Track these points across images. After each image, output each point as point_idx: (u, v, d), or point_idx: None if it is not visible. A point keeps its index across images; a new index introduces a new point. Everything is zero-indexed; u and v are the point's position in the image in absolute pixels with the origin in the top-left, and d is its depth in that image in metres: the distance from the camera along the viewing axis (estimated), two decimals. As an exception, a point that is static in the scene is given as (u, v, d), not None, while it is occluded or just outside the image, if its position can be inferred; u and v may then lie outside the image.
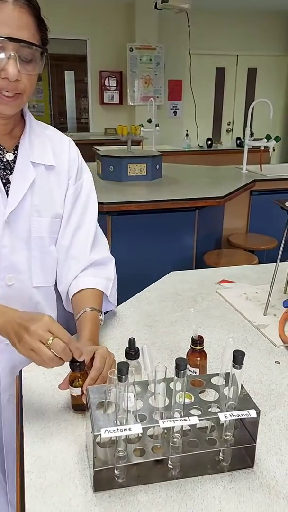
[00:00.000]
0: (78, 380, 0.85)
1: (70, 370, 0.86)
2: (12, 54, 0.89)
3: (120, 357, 1.06)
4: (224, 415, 0.70)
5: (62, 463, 0.76)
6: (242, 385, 0.74)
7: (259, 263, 2.89)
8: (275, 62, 7.64)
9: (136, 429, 0.67)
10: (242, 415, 0.70)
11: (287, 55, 7.63)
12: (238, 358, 0.70)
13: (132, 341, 0.88)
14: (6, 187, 1.03)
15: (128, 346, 0.89)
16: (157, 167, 3.46)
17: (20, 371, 1.02)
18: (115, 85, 6.94)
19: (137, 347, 0.89)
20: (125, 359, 0.89)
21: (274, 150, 3.70)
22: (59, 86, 7.60)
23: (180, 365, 0.68)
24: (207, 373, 0.96)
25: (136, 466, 0.73)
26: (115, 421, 0.69)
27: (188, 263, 2.98)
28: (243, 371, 0.72)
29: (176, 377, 0.69)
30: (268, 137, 3.68)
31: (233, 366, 0.71)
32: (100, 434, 0.66)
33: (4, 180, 1.03)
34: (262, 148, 3.68)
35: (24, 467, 0.75)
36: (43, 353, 0.79)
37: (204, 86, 7.20)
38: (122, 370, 0.67)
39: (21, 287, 1.08)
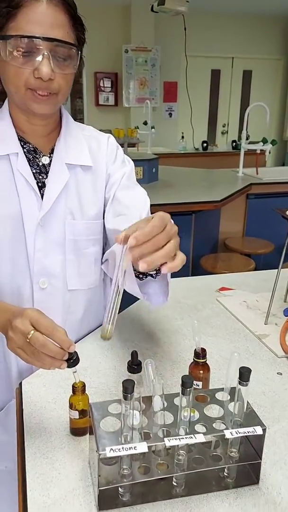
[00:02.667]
0: (79, 403, 0.83)
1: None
2: (46, 53, 0.88)
3: (121, 368, 1.06)
4: (230, 432, 0.69)
5: (66, 480, 0.75)
6: (247, 402, 0.73)
7: (256, 267, 2.89)
8: (270, 64, 7.66)
9: (141, 448, 0.66)
10: (248, 432, 0.70)
11: (282, 58, 7.65)
12: (244, 375, 0.70)
13: (134, 354, 0.87)
14: (41, 190, 1.02)
15: (130, 359, 0.88)
16: (154, 170, 3.45)
17: (20, 383, 1.00)
18: (110, 86, 6.93)
19: (139, 360, 0.88)
20: (127, 372, 0.88)
21: (270, 153, 3.71)
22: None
23: (186, 383, 0.67)
24: (210, 384, 0.95)
25: (140, 483, 0.72)
26: (120, 439, 0.68)
27: (185, 267, 2.95)
28: (248, 386, 0.71)
29: (182, 395, 0.68)
30: (265, 141, 3.69)
31: (239, 383, 0.70)
32: (105, 453, 0.65)
33: (40, 184, 1.02)
34: (258, 151, 3.68)
35: (26, 484, 0.74)
36: (28, 349, 0.76)
37: (199, 88, 7.20)
38: (128, 388, 0.66)
39: (55, 290, 1.07)
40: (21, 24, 0.88)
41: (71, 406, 0.84)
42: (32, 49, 0.88)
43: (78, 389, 0.83)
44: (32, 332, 0.75)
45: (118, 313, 0.76)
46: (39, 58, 0.88)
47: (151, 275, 1.00)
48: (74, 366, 0.79)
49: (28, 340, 0.75)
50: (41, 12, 0.87)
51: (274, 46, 7.56)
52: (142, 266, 0.69)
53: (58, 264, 1.07)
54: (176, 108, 7.21)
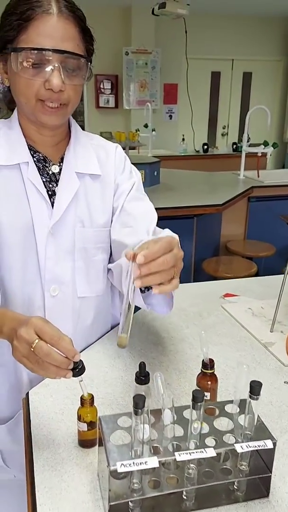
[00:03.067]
0: (87, 415, 0.83)
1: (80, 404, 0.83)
2: (56, 65, 0.89)
3: (128, 377, 1.06)
4: (241, 446, 0.69)
5: (75, 493, 0.75)
6: (258, 415, 0.73)
7: (257, 270, 2.89)
8: (270, 66, 7.67)
9: (152, 462, 0.66)
10: (259, 446, 0.70)
11: (282, 59, 7.66)
12: (255, 389, 0.69)
13: (142, 366, 0.87)
14: (52, 199, 1.03)
15: (138, 370, 0.87)
16: (155, 173, 3.45)
17: (27, 393, 1.00)
18: (110, 88, 6.93)
19: (147, 371, 0.87)
20: (134, 382, 0.88)
21: (270, 155, 3.71)
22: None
23: (197, 398, 0.67)
24: (217, 394, 0.95)
25: (150, 497, 0.71)
26: (130, 453, 0.68)
27: (187, 271, 2.98)
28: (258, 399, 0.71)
29: (193, 409, 0.68)
30: (266, 143, 3.69)
31: (250, 397, 0.70)
32: (116, 468, 0.65)
33: (50, 192, 1.03)
34: (259, 154, 3.68)
35: (36, 498, 0.74)
36: (32, 359, 0.75)
37: (199, 90, 7.21)
38: (139, 404, 0.65)
39: (66, 298, 1.07)
40: (32, 36, 0.89)
41: (79, 418, 0.83)
42: (42, 61, 0.90)
43: (87, 401, 0.83)
44: (37, 341, 0.74)
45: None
46: (50, 70, 0.90)
47: None
48: (80, 375, 0.78)
49: (32, 349, 0.74)
50: (52, 25, 0.89)
51: (274, 47, 7.56)
52: (137, 283, 0.74)
53: (68, 271, 1.07)
54: (176, 110, 7.22)
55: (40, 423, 0.91)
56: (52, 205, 1.03)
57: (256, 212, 3.54)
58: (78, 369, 0.77)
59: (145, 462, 0.66)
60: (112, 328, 1.28)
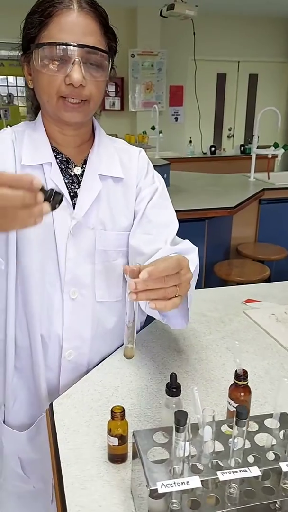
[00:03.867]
0: (118, 429, 0.79)
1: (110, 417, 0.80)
2: (77, 59, 0.88)
3: (153, 387, 1.02)
4: (286, 464, 0.65)
5: (108, 513, 0.71)
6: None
7: (270, 273, 2.85)
8: (276, 68, 7.63)
9: (194, 482, 0.63)
10: (305, 464, 0.66)
11: (287, 61, 7.61)
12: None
13: (174, 377, 0.83)
14: (73, 200, 1.02)
15: (169, 381, 0.84)
16: (165, 176, 3.41)
17: (51, 404, 0.97)
18: (116, 91, 6.90)
19: (178, 383, 0.84)
20: (162, 392, 0.84)
21: (280, 157, 3.67)
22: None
23: (241, 414, 0.63)
24: (250, 407, 0.91)
25: (190, 518, 0.67)
26: (170, 471, 0.64)
27: (198, 275, 2.93)
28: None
29: (236, 426, 0.64)
30: (276, 145, 3.65)
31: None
32: (157, 489, 0.61)
33: (72, 194, 1.02)
34: (270, 156, 3.65)
35: (67, 518, 0.70)
36: None
37: (205, 92, 7.16)
38: (181, 421, 0.62)
39: (84, 301, 1.05)
40: (53, 32, 0.89)
41: (109, 432, 0.80)
42: (63, 56, 0.89)
43: (117, 414, 0.79)
44: None
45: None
46: (70, 65, 0.89)
47: None
48: (58, 204, 0.65)
49: None
50: (72, 20, 0.89)
51: (280, 49, 7.52)
52: (131, 297, 0.71)
53: (88, 274, 1.05)
54: (182, 112, 7.19)
55: (66, 437, 0.87)
56: (74, 207, 1.01)
57: (267, 215, 3.50)
58: (52, 197, 0.64)
59: (187, 482, 0.62)
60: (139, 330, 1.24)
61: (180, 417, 0.62)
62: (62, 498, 0.74)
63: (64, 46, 0.88)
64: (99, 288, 1.07)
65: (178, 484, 0.62)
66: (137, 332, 1.26)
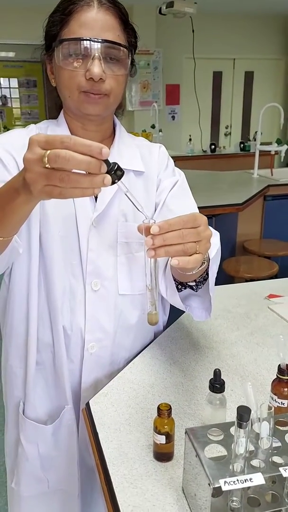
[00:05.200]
0: (164, 427, 0.77)
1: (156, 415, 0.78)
2: (97, 54, 0.89)
3: (189, 384, 1.01)
4: None
5: (162, 513, 0.69)
6: None
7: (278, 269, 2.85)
8: (271, 65, 7.63)
9: (257, 479, 0.61)
10: None
11: (283, 58, 7.63)
12: None
13: (218, 373, 0.82)
14: None
15: (213, 377, 0.82)
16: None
17: (87, 403, 0.95)
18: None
19: (222, 379, 0.82)
20: (208, 390, 0.83)
21: (278, 153, 3.67)
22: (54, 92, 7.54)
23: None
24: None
25: (249, 516, 0.66)
26: (231, 468, 0.63)
27: (207, 272, 2.92)
28: None
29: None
30: (279, 141, 3.65)
31: None
32: (220, 486, 0.60)
33: None
34: (273, 152, 3.64)
35: (120, 518, 0.69)
36: (54, 178, 0.60)
37: (201, 90, 7.15)
38: (244, 416, 0.60)
39: (107, 294, 1.04)
40: (74, 29, 0.91)
41: (155, 429, 0.78)
42: (84, 51, 0.90)
43: (164, 412, 0.77)
44: (48, 151, 0.59)
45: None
46: (90, 59, 0.90)
47: (191, 287, 0.99)
48: (119, 178, 0.64)
49: (47, 166, 0.60)
50: (92, 16, 0.91)
51: (275, 46, 7.53)
52: (149, 253, 0.68)
53: (111, 266, 1.04)
54: (179, 111, 7.18)
55: (108, 436, 0.85)
56: (96, 199, 1.02)
57: (272, 211, 3.49)
58: (114, 171, 0.62)
59: (250, 479, 0.61)
60: (163, 331, 1.23)
61: (243, 413, 0.60)
62: (112, 498, 0.73)
63: (84, 41, 0.89)
64: (122, 281, 1.06)
65: (242, 482, 0.61)
66: (163, 329, 1.24)
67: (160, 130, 4.82)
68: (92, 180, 0.61)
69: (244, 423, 0.61)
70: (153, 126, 4.88)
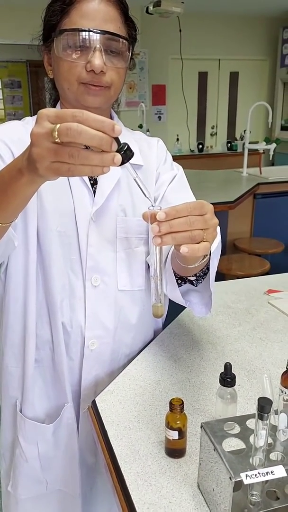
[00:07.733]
0: (176, 422, 0.76)
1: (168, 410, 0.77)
2: (98, 46, 0.87)
3: (196, 380, 0.99)
4: None
5: (179, 510, 0.68)
6: None
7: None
8: (256, 66, 7.69)
9: (279, 472, 0.60)
10: None
11: (266, 58, 7.69)
12: None
13: (228, 367, 0.81)
14: (93, 187, 1.00)
15: (224, 371, 0.81)
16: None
17: (94, 401, 0.93)
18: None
19: (233, 373, 0.81)
20: (219, 384, 0.82)
21: (265, 152, 3.68)
22: (39, 93, 7.50)
23: None
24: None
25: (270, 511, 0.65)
26: (252, 461, 0.62)
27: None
28: None
29: None
30: (267, 140, 3.67)
31: None
32: (242, 480, 0.59)
33: (92, 181, 1.00)
34: (262, 151, 3.66)
35: (136, 516, 0.67)
36: (63, 154, 0.58)
37: (187, 90, 7.17)
38: (265, 408, 0.59)
39: (107, 289, 1.02)
40: (74, 19, 0.89)
41: (167, 425, 0.77)
42: (84, 42, 0.89)
43: (177, 407, 0.76)
44: (58, 125, 0.57)
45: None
46: (91, 51, 0.88)
47: (191, 282, 0.98)
48: (128, 159, 0.61)
49: (57, 140, 0.57)
50: (93, 7, 0.89)
51: (259, 47, 7.58)
52: (155, 241, 0.66)
53: (110, 261, 1.03)
54: (165, 111, 7.18)
55: (118, 434, 0.84)
56: (94, 194, 1.00)
57: (262, 209, 3.51)
58: (124, 151, 0.60)
59: (272, 472, 0.60)
60: (162, 328, 1.22)
61: (264, 404, 0.59)
62: (126, 496, 0.71)
63: (86, 33, 0.87)
64: (122, 276, 1.05)
65: (263, 475, 0.60)
66: (163, 327, 1.23)
67: (148, 130, 4.81)
68: (103, 158, 0.59)
69: (266, 415, 0.59)
70: (140, 126, 4.87)
